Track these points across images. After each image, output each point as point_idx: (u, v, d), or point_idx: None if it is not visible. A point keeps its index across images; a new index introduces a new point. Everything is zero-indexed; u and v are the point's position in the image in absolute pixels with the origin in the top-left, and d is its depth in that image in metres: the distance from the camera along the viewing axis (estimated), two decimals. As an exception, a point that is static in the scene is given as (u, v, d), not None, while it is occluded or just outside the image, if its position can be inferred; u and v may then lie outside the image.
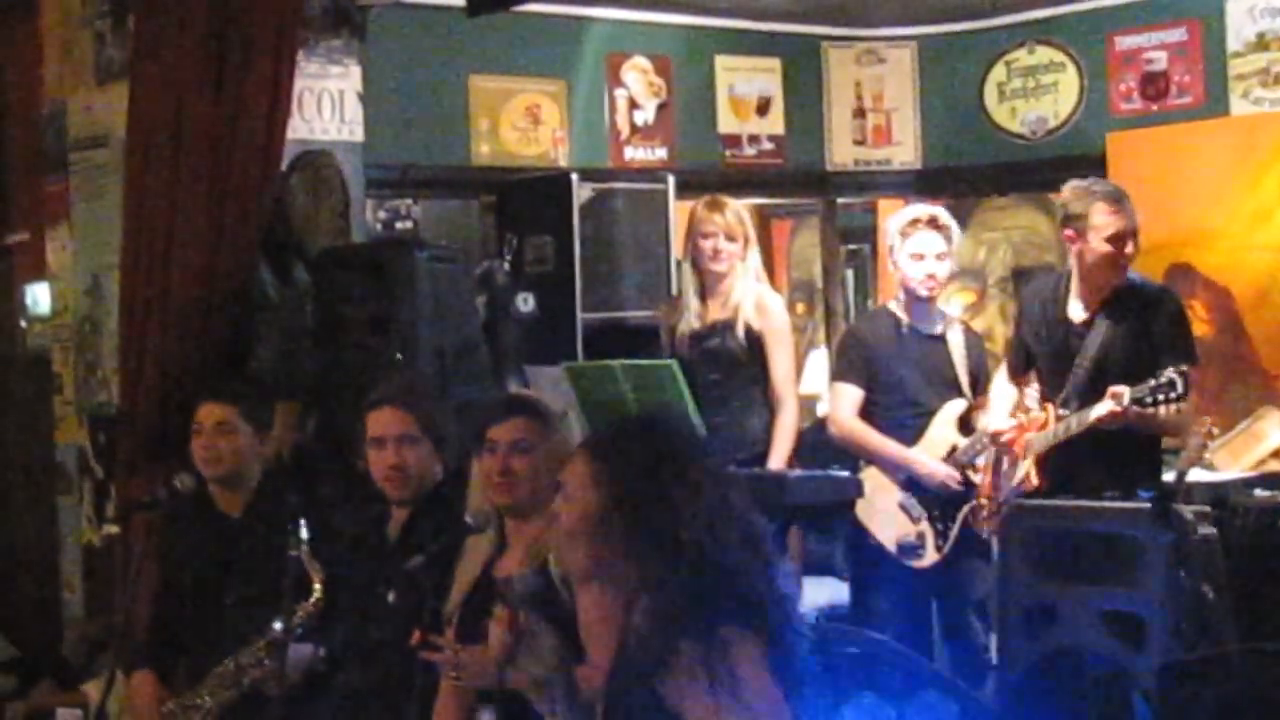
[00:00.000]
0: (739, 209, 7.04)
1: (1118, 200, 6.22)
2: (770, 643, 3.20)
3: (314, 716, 5.30)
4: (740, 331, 6.92)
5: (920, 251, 6.83)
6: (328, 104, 7.31)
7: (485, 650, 4.36)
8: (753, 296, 6.97)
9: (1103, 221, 6.21)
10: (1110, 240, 6.18)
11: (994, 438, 6.54)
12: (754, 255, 7.06)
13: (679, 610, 3.24)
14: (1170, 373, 5.85)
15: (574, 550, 3.45)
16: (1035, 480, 6.33)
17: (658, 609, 3.28)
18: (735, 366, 6.94)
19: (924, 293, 6.87)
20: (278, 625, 5.05)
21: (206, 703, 5.39)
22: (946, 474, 6.74)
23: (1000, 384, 6.70)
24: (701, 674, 3.16)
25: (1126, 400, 5.92)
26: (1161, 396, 5.86)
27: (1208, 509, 5.58)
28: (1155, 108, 8.50)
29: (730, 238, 6.92)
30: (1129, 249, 6.19)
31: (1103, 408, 6.02)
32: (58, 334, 7.91)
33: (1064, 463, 6.25)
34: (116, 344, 7.03)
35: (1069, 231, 6.29)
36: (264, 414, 5.90)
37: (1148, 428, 6.05)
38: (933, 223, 6.86)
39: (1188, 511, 5.42)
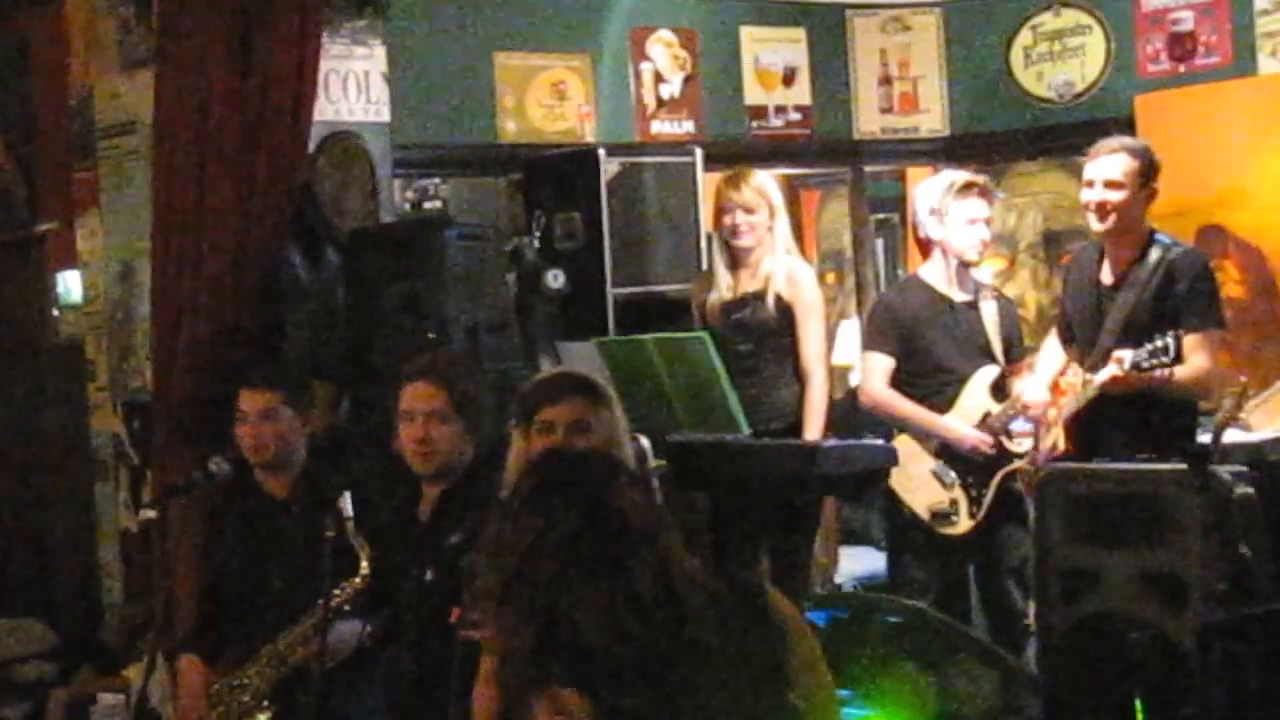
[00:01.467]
0: (760, 181, 7.06)
1: (1108, 148, 6.27)
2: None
3: (358, 696, 5.35)
4: (770, 303, 6.95)
5: (974, 216, 6.87)
6: (353, 85, 7.32)
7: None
8: (783, 268, 6.99)
9: (1085, 167, 6.31)
10: (1085, 184, 6.22)
11: (1025, 408, 6.55)
12: (783, 225, 7.08)
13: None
14: (1166, 337, 5.88)
15: None
16: (1063, 445, 6.35)
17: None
18: (765, 337, 6.96)
19: (974, 256, 6.91)
20: (323, 603, 5.08)
21: (253, 682, 5.42)
22: (977, 439, 6.75)
23: (1051, 347, 6.67)
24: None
25: (1127, 365, 5.94)
26: (1155, 360, 5.89)
27: (1245, 469, 5.57)
28: (1183, 69, 8.46)
29: (748, 210, 6.94)
30: (1097, 194, 6.21)
31: (1106, 373, 6.06)
32: (90, 321, 7.92)
33: (1091, 427, 6.26)
34: (149, 330, 7.05)
35: None
36: (304, 396, 5.93)
37: (1163, 392, 6.06)
38: (983, 189, 6.90)
39: (1225, 472, 5.40)
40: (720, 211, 7.04)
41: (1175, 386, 6.05)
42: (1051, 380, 6.56)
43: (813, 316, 7.04)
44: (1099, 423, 6.24)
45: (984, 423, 6.79)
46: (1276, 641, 4.04)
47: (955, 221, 6.87)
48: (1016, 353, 6.99)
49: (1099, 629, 5.40)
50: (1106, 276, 6.33)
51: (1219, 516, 5.13)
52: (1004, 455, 6.79)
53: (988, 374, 6.88)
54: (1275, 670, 3.93)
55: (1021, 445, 6.77)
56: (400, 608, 5.05)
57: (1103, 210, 6.20)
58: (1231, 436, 6.28)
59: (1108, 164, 6.20)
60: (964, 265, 6.94)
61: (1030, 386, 6.61)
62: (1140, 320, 6.14)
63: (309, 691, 5.13)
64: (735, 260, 7.05)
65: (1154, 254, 6.23)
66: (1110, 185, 6.18)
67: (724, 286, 7.05)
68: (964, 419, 6.81)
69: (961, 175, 7.11)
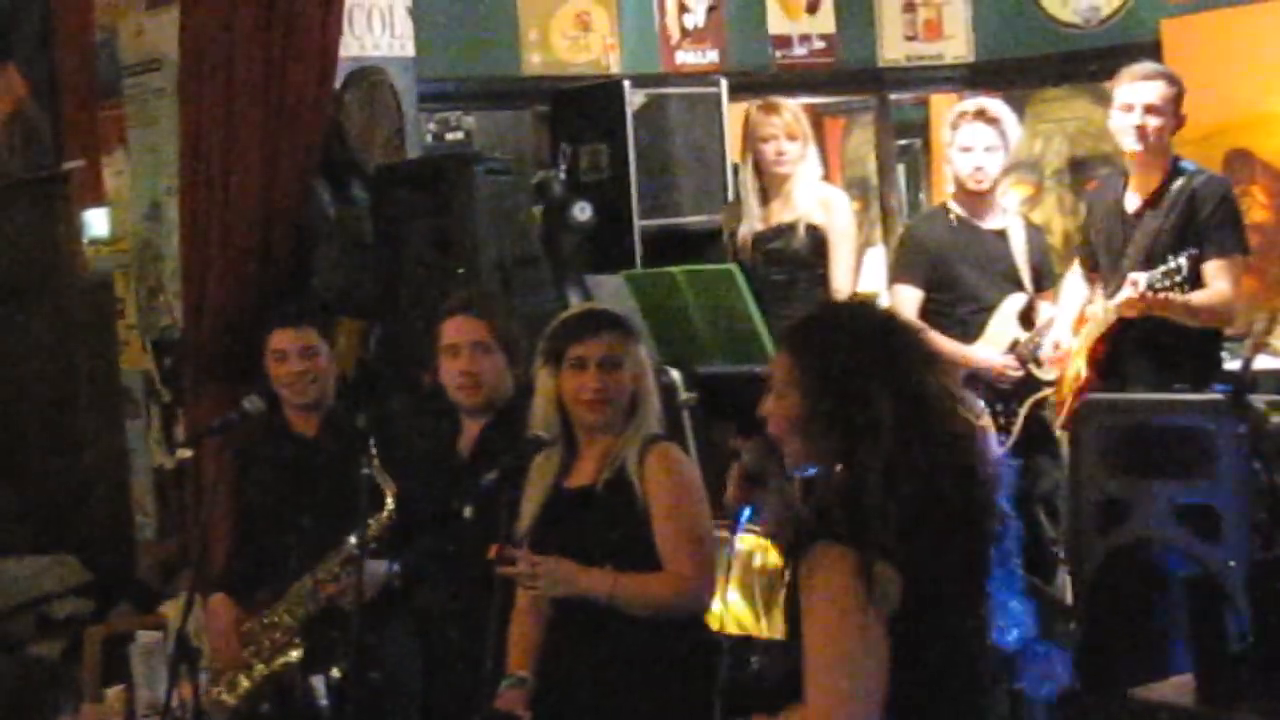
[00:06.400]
0: (795, 108, 7.08)
1: (1143, 74, 6.29)
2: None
3: (393, 633, 5.37)
4: (803, 231, 6.96)
5: (969, 144, 6.82)
6: (378, 19, 7.30)
7: (561, 560, 4.40)
8: (816, 195, 7.01)
9: (1118, 91, 6.30)
10: (1122, 108, 6.21)
11: (1055, 347, 6.53)
12: (813, 154, 7.09)
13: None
14: (1179, 258, 5.89)
15: (790, 444, 3.44)
16: (1085, 373, 6.34)
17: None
18: (799, 267, 6.98)
19: (973, 186, 6.86)
20: (353, 540, 5.09)
21: (285, 620, 5.43)
22: (1004, 363, 6.72)
23: (1073, 281, 6.66)
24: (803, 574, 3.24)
25: (1141, 286, 5.94)
26: (1168, 281, 5.90)
27: (1278, 397, 5.57)
28: (1209, -9, 8.40)
29: (791, 137, 6.98)
30: (1136, 118, 6.20)
31: (1122, 295, 6.06)
32: (118, 259, 7.94)
33: (1113, 355, 6.27)
34: (178, 268, 7.06)
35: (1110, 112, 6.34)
36: (332, 333, 5.93)
37: (1184, 319, 6.06)
38: (981, 115, 6.84)
39: (1260, 401, 5.40)
40: (759, 139, 7.04)
41: (1195, 312, 6.05)
42: (1076, 315, 6.54)
43: (845, 243, 7.06)
44: (1122, 351, 6.25)
45: (1012, 350, 6.77)
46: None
47: (952, 150, 6.88)
48: (1046, 281, 6.95)
49: (1133, 560, 5.41)
50: (1131, 204, 6.33)
51: (1254, 446, 5.13)
52: (1032, 383, 6.77)
53: (1016, 302, 6.85)
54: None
55: (1050, 373, 6.75)
56: (438, 545, 5.07)
57: (1142, 134, 6.20)
58: (1261, 363, 6.28)
59: (1147, 89, 6.22)
60: (971, 194, 6.91)
61: (1057, 328, 6.58)
62: (1163, 247, 6.14)
63: (342, 629, 5.15)
64: (768, 190, 7.06)
65: (1178, 181, 6.23)
66: (1150, 110, 6.20)
67: (756, 217, 7.06)
68: (992, 346, 6.79)
69: (973, 102, 7.08)
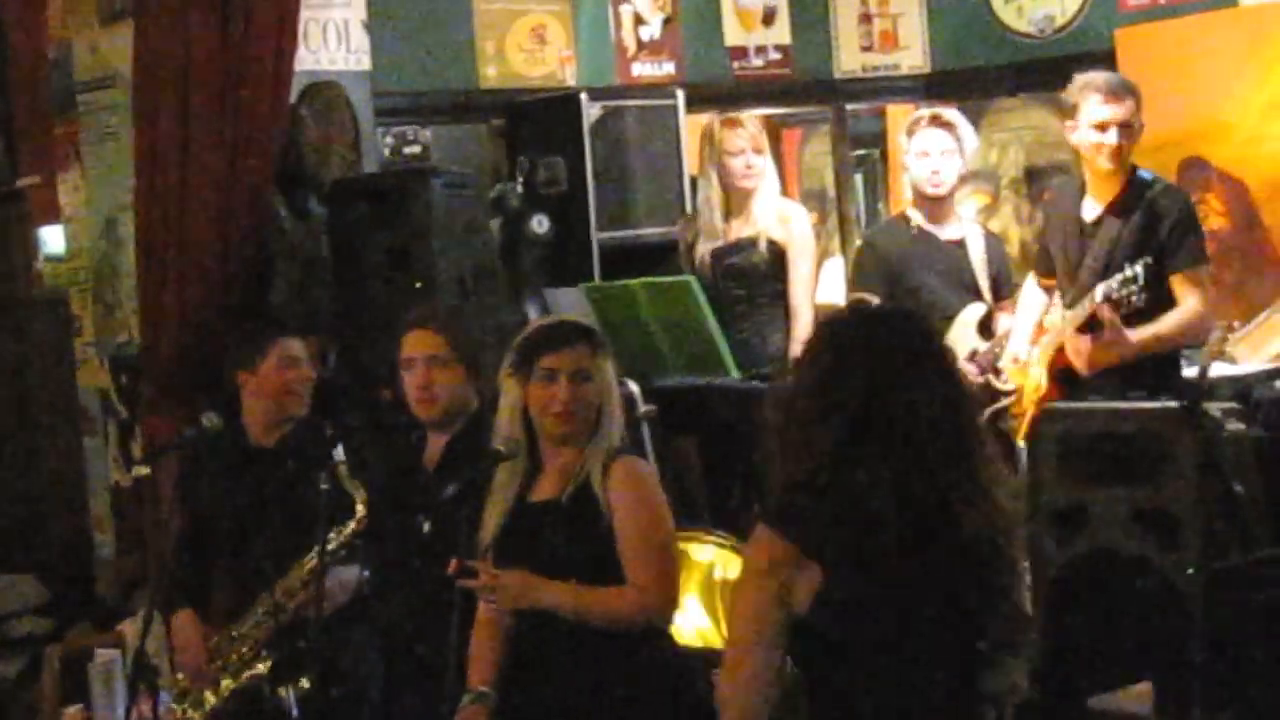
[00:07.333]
0: (757, 121, 7.10)
1: (1114, 91, 6.20)
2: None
3: (356, 644, 5.36)
4: (763, 246, 6.96)
5: (925, 149, 6.86)
6: (333, 33, 7.29)
7: (522, 573, 4.40)
8: (776, 209, 7.01)
9: (1091, 109, 6.20)
10: (1096, 126, 6.17)
11: (1014, 360, 6.55)
12: (772, 168, 7.11)
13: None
14: (1135, 266, 5.89)
15: None
16: (1045, 385, 6.34)
17: None
18: (759, 281, 6.98)
19: (930, 190, 6.89)
20: (318, 549, 5.09)
21: (253, 633, 5.43)
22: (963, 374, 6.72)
23: (1029, 291, 6.67)
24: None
25: (1098, 296, 5.95)
26: (1125, 290, 5.90)
27: (1235, 405, 5.59)
28: (1163, 1, 8.42)
29: (757, 150, 7.01)
30: (1114, 138, 6.16)
31: (1081, 310, 6.06)
32: (74, 276, 7.91)
33: (1073, 366, 6.28)
34: (134, 285, 7.03)
35: (1068, 123, 6.30)
36: None
37: (1161, 347, 6.07)
38: (936, 120, 6.89)
39: (1216, 408, 5.42)
40: (725, 154, 7.03)
41: (1167, 339, 6.06)
42: (1035, 325, 6.55)
43: (804, 256, 7.06)
44: None
45: (971, 360, 6.78)
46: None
47: (909, 157, 6.92)
48: (1005, 291, 6.97)
49: (1091, 568, 5.43)
50: (1089, 212, 6.33)
51: (1211, 453, 5.16)
52: (991, 393, 6.77)
53: (974, 311, 6.88)
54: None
55: (1009, 384, 6.77)
56: (399, 558, 5.07)
57: (1116, 154, 6.18)
58: (1217, 370, 6.30)
59: (1120, 109, 6.16)
60: (929, 200, 6.93)
61: (1015, 340, 6.59)
62: (1122, 255, 6.14)
63: (308, 639, 5.14)
64: (729, 204, 7.06)
65: (1136, 190, 6.23)
66: (1124, 129, 6.17)
67: (716, 231, 7.06)
68: (950, 356, 6.79)
69: (923, 110, 7.12)
